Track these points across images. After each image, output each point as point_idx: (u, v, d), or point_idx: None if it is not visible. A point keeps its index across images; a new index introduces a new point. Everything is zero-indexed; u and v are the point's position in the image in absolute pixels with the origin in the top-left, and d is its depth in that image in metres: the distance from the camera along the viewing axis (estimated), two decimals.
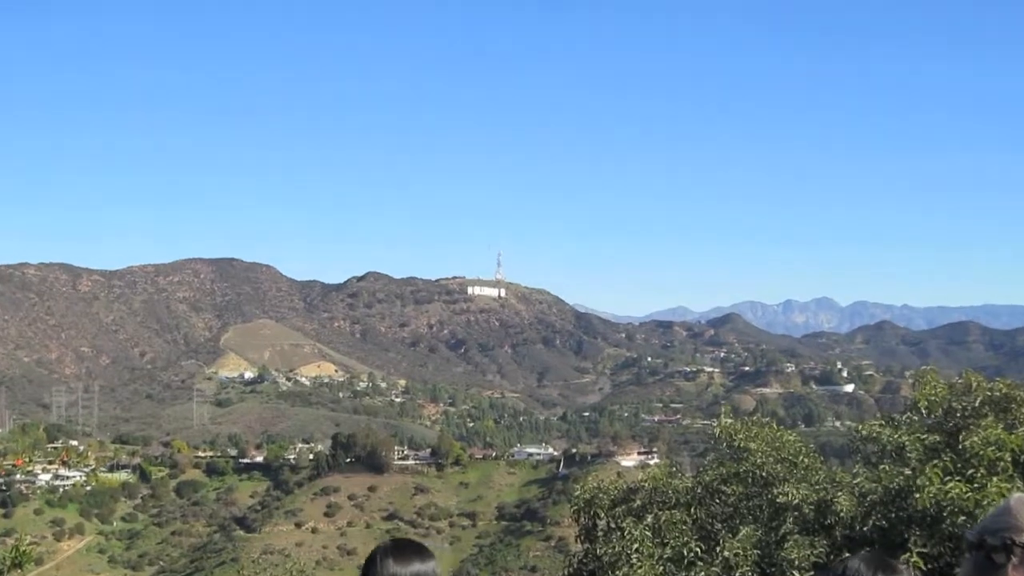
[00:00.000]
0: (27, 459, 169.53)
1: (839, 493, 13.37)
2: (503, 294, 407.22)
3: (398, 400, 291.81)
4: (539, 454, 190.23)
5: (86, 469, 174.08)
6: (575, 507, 16.21)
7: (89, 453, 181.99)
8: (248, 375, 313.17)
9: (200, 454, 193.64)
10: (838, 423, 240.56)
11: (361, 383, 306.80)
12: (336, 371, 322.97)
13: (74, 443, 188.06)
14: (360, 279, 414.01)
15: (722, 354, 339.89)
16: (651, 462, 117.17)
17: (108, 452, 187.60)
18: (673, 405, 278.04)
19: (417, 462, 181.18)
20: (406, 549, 2.89)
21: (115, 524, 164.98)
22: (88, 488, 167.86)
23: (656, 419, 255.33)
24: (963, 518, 11.97)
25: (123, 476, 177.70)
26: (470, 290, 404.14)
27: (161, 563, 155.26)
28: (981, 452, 12.75)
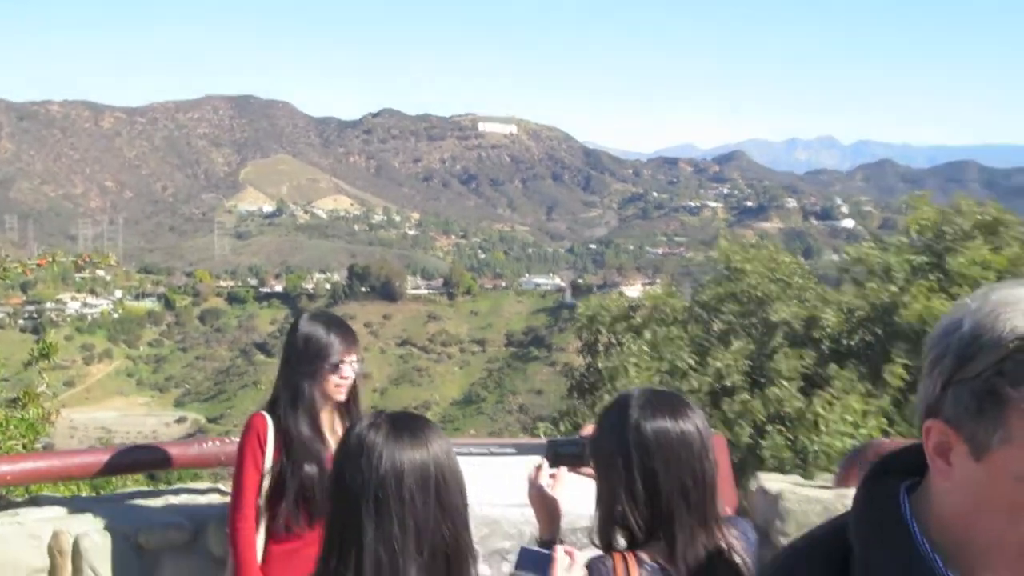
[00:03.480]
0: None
1: (827, 310, 13.58)
2: (514, 131, 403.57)
3: (411, 233, 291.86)
4: (547, 284, 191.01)
5: (113, 298, 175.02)
6: (579, 324, 16.42)
7: (115, 283, 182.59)
8: (266, 209, 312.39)
9: (221, 284, 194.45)
10: (835, 256, 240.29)
11: (376, 216, 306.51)
12: (351, 205, 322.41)
13: (101, 273, 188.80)
14: (375, 116, 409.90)
15: (726, 190, 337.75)
16: (656, 289, 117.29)
17: (133, 282, 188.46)
18: (677, 239, 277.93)
19: (430, 292, 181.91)
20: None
21: (142, 349, 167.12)
22: (115, 316, 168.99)
23: (660, 252, 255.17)
24: None
25: (148, 305, 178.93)
26: (481, 127, 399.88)
27: (186, 385, 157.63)
28: (967, 272, 12.87)
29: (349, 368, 4.10)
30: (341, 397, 4.10)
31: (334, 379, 4.06)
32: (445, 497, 2.03)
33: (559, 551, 2.36)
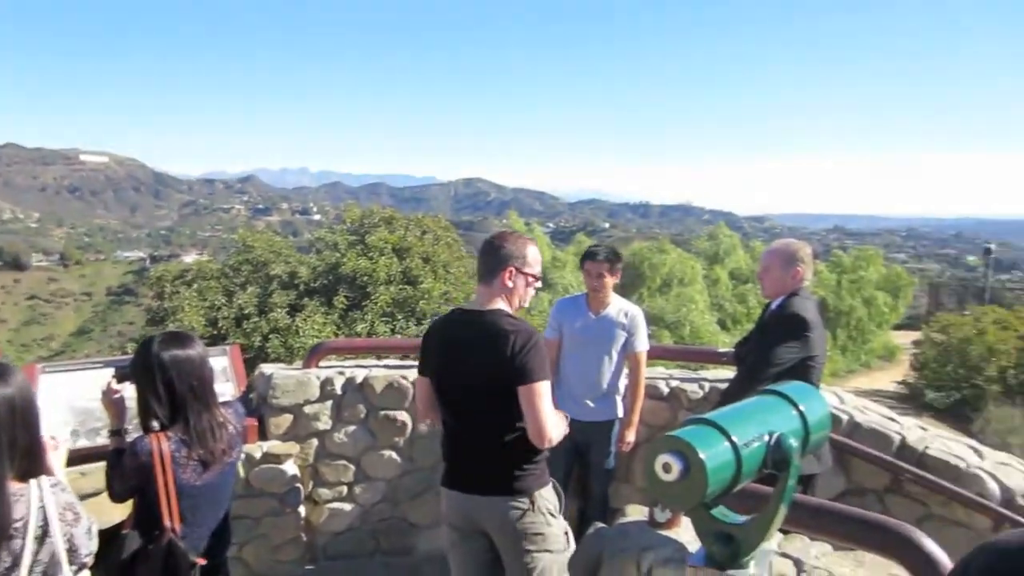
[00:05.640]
0: None
1: (301, 267, 13.64)
2: (106, 160, 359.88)
3: (34, 226, 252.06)
4: (133, 256, 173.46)
5: None
6: (151, 281, 15.31)
7: None
8: None
9: None
10: (309, 236, 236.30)
11: (7, 215, 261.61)
12: None
13: None
14: (2, 147, 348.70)
15: (245, 198, 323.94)
16: (203, 258, 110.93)
17: None
18: (216, 227, 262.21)
19: (50, 263, 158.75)
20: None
21: None
22: None
23: (207, 235, 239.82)
24: (366, 277, 12.69)
25: None
26: (83, 157, 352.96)
27: None
28: (376, 244, 13.47)
29: None
30: None
31: None
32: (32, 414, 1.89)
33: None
